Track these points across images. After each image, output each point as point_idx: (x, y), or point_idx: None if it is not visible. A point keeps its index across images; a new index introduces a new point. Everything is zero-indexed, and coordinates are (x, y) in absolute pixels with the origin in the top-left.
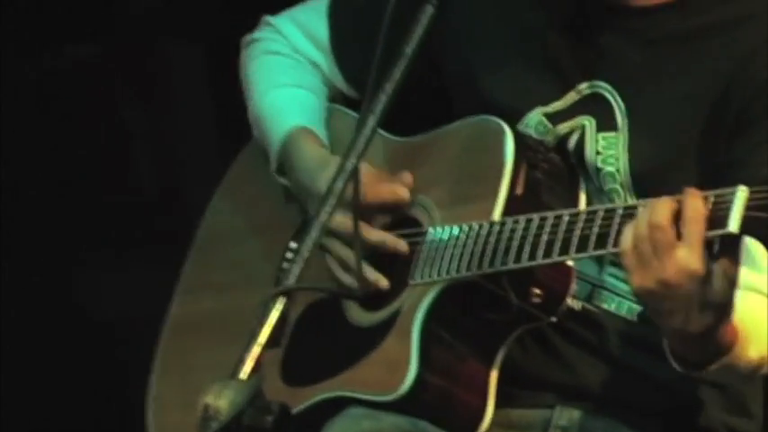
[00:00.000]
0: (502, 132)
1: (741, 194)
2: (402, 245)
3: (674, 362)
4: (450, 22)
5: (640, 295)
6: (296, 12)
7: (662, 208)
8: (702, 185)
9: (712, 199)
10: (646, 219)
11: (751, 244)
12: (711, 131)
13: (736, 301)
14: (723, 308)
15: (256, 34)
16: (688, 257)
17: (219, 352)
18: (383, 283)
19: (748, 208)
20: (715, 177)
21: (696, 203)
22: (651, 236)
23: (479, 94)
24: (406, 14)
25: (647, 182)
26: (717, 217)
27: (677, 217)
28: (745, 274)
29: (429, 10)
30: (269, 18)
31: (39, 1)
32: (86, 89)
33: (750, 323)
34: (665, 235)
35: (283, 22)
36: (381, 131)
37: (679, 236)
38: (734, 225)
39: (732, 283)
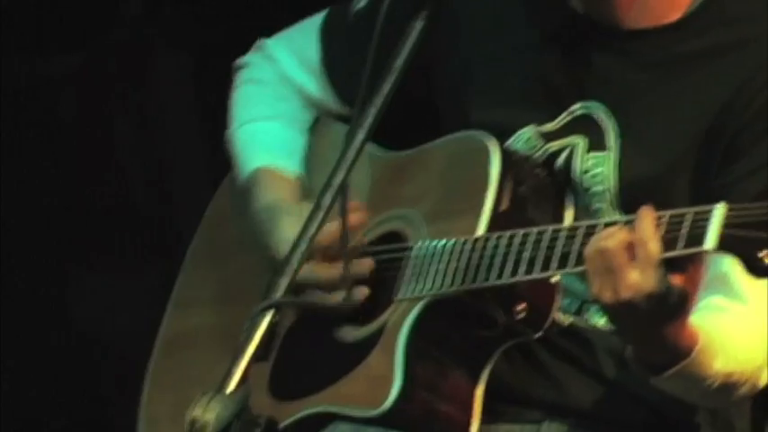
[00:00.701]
0: (488, 148)
1: (719, 212)
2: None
3: (636, 366)
4: (443, 39)
5: (599, 304)
6: (291, 33)
7: (613, 232)
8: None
9: (666, 219)
10: (595, 242)
11: (729, 266)
12: (705, 155)
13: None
14: (681, 311)
15: (246, 58)
16: (640, 280)
17: (211, 366)
18: (363, 292)
19: (726, 226)
20: (707, 202)
21: (645, 225)
22: (602, 258)
23: (471, 111)
24: (398, 30)
25: (635, 201)
26: (694, 234)
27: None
28: (718, 299)
29: (419, 24)
30: (263, 41)
31: (28, 9)
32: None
33: (718, 337)
34: (616, 258)
35: (277, 45)
36: (370, 145)
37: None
38: (710, 243)
39: (687, 296)
